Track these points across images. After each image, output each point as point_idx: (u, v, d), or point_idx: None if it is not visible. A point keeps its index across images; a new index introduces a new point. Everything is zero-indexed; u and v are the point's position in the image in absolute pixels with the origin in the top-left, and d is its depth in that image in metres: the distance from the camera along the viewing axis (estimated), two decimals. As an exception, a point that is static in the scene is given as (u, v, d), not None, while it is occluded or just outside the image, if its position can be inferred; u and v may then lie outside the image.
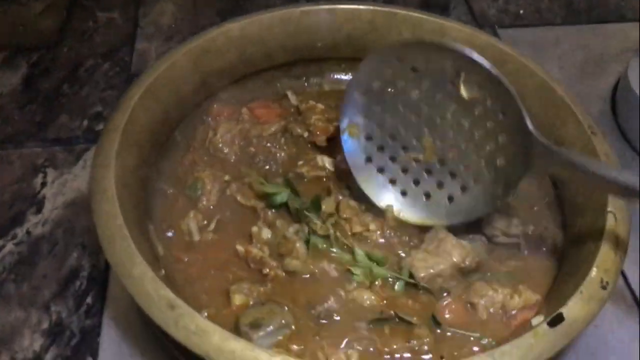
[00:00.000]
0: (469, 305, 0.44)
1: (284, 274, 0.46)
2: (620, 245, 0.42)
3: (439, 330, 0.43)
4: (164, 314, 0.37)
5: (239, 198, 0.51)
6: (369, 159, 0.50)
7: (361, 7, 0.59)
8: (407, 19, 0.59)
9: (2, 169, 0.56)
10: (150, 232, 0.48)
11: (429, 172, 0.48)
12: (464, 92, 0.44)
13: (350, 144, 0.50)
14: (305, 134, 0.56)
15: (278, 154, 0.55)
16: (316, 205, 0.49)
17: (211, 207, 0.51)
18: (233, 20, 0.57)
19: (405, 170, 0.49)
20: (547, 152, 0.42)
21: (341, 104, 0.49)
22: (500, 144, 0.44)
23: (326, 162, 0.54)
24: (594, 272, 0.41)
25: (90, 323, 0.46)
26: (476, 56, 0.43)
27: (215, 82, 0.57)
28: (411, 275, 0.45)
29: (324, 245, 0.47)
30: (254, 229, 0.48)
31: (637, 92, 0.60)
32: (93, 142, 0.58)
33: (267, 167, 0.54)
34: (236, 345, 0.36)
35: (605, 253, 0.42)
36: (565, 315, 0.38)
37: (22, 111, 0.62)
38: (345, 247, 0.47)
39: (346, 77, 0.62)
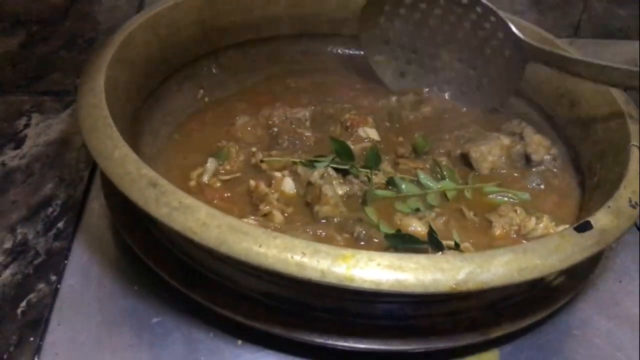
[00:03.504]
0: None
1: (282, 217, 0.42)
2: (647, 173, 0.39)
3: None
4: (145, 193, 0.33)
5: (264, 167, 0.46)
6: (402, 75, 0.57)
7: (369, -18, 0.59)
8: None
9: (-15, 111, 0.53)
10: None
11: (452, 70, 0.55)
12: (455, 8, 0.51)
13: (383, 70, 0.57)
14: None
15: (305, 134, 0.50)
16: (374, 157, 0.46)
17: (234, 169, 0.47)
18: (243, -19, 0.56)
19: (436, 74, 0.56)
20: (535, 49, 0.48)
21: (360, 35, 0.56)
22: (498, 43, 0.51)
23: (369, 133, 0.51)
24: (621, 191, 0.37)
25: (58, 245, 0.42)
26: None
27: (217, 39, 0.56)
28: (465, 160, 0.48)
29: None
30: (277, 173, 0.44)
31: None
32: (84, 94, 0.56)
33: (292, 147, 0.48)
34: (223, 219, 0.32)
35: (632, 178, 0.39)
36: (593, 223, 0.34)
37: (15, 68, 0.60)
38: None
39: (349, 52, 0.61)
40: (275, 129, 0.49)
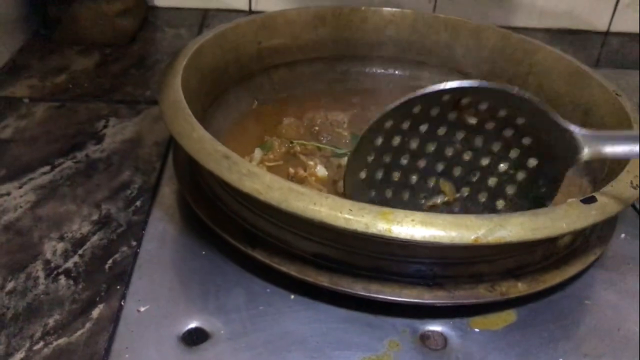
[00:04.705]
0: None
1: None
2: (648, 163, 0.45)
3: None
4: (220, 163, 0.40)
5: (301, 156, 0.54)
6: None
7: (405, 10, 0.67)
8: (446, 21, 0.66)
9: (68, 115, 0.62)
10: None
11: (462, 204, 0.46)
12: (469, 119, 0.43)
13: None
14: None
15: (342, 134, 0.57)
16: None
17: (277, 157, 0.55)
18: (294, 8, 0.65)
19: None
20: (589, 138, 0.41)
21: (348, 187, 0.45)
22: (527, 146, 0.43)
23: None
24: (624, 175, 0.43)
25: (137, 219, 0.49)
26: (481, 83, 0.41)
27: (270, 57, 0.64)
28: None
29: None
30: (310, 162, 0.51)
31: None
32: (155, 104, 0.64)
33: (329, 143, 0.56)
34: (284, 183, 0.38)
35: (634, 166, 0.44)
36: (597, 198, 0.40)
37: (93, 82, 0.68)
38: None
39: (387, 72, 0.69)
40: (316, 128, 0.58)
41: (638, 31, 0.96)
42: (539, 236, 0.37)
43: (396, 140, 0.43)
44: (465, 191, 0.46)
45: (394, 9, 0.67)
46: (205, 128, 0.53)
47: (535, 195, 0.44)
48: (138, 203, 0.50)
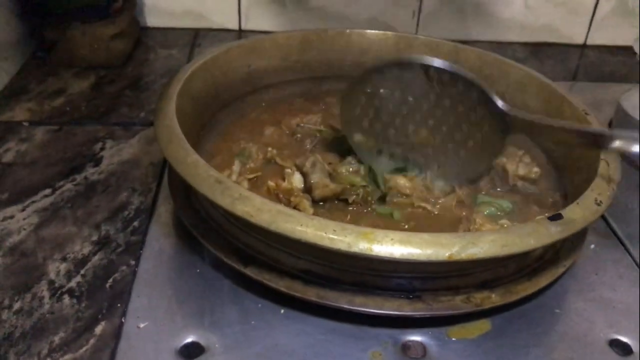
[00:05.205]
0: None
1: (309, 202, 0.51)
2: (611, 180, 0.48)
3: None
4: (213, 188, 0.43)
5: (277, 159, 0.57)
6: (379, 152, 0.56)
7: (387, 32, 0.71)
8: (426, 43, 0.70)
9: (67, 138, 0.64)
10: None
11: (429, 145, 0.54)
12: (437, 86, 0.52)
13: (361, 149, 0.56)
14: None
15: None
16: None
17: (257, 166, 0.57)
18: (282, 31, 0.68)
19: (412, 149, 0.55)
20: (520, 120, 0.51)
21: (342, 117, 0.57)
22: (481, 114, 0.52)
23: None
24: (589, 192, 0.46)
25: (134, 239, 0.51)
26: (437, 62, 0.51)
27: (260, 78, 0.67)
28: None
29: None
30: (287, 170, 0.54)
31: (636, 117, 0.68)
32: (149, 125, 0.67)
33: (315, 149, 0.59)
34: (273, 206, 0.41)
35: (599, 183, 0.47)
36: (563, 215, 0.43)
37: (89, 104, 0.71)
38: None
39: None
40: (299, 135, 0.61)
41: (613, 44, 1.00)
42: (508, 252, 0.40)
43: (382, 91, 0.53)
44: (438, 140, 0.54)
45: (377, 32, 0.71)
46: (198, 149, 0.57)
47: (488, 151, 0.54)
48: (136, 223, 0.53)
